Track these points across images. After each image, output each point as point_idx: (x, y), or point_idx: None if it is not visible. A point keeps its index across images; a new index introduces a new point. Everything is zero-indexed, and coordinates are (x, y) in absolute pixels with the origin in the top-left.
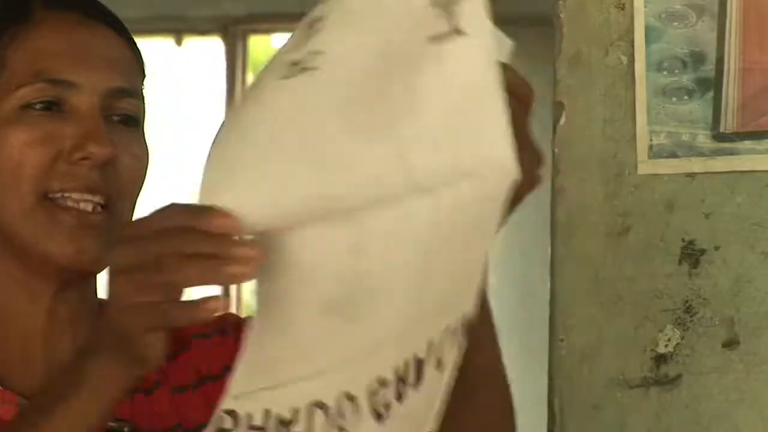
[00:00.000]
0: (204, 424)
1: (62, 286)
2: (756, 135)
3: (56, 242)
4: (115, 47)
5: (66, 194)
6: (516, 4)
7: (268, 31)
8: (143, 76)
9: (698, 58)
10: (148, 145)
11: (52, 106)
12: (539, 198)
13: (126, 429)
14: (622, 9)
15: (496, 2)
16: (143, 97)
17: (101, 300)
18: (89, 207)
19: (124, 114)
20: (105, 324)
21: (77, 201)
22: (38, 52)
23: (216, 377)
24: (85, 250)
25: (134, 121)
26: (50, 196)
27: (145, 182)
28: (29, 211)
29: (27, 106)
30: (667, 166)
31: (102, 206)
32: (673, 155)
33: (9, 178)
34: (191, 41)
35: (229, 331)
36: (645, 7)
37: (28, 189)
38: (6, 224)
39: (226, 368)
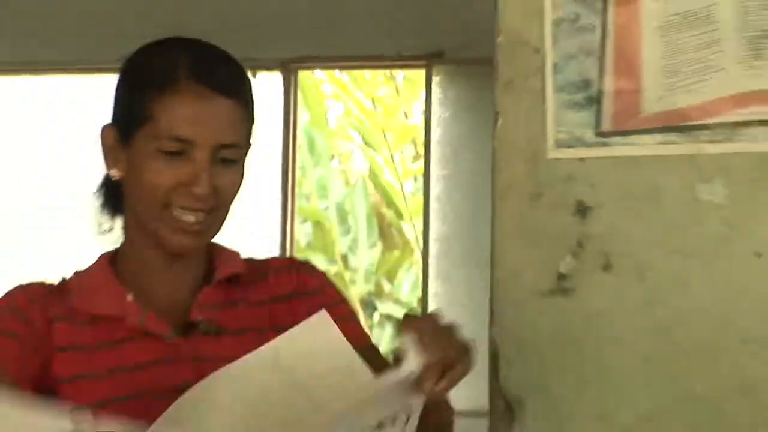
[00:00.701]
0: (267, 328)
1: (174, 255)
2: (624, 133)
3: (167, 237)
4: (229, 113)
5: (179, 208)
6: (476, 51)
7: (312, 68)
8: (252, 124)
9: (587, 84)
10: (243, 171)
11: (179, 153)
12: (485, 175)
13: (214, 328)
14: (538, 52)
15: (468, 49)
16: (247, 144)
17: (212, 244)
18: (191, 218)
19: (226, 158)
20: None
21: (183, 214)
22: (175, 114)
23: (281, 298)
24: (182, 245)
25: (233, 162)
26: (169, 207)
27: (237, 196)
28: (156, 216)
29: (162, 151)
30: (566, 153)
31: (206, 212)
32: (571, 146)
33: (147, 193)
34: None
35: (295, 269)
36: (552, 51)
37: (157, 201)
38: (143, 218)
39: (290, 294)
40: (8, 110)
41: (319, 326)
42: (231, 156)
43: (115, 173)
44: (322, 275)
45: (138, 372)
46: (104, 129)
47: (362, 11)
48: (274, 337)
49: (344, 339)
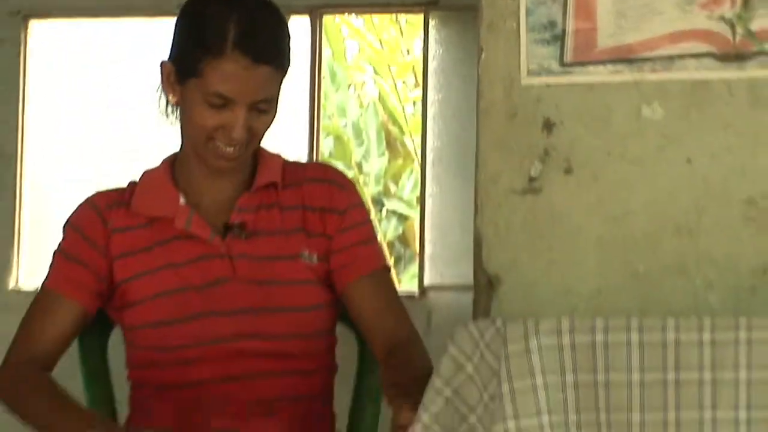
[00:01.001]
0: (296, 229)
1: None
2: (582, 64)
3: (210, 161)
4: (266, 77)
5: (219, 143)
6: None
7: (334, 13)
8: (282, 79)
9: (553, 25)
10: (276, 111)
11: (220, 106)
12: (471, 99)
13: (245, 233)
14: None
15: None
16: (278, 95)
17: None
18: (230, 150)
19: (259, 108)
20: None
21: (223, 146)
22: (219, 77)
23: (314, 209)
24: (222, 168)
25: (265, 111)
26: (212, 140)
27: (268, 130)
28: (201, 145)
29: (207, 102)
30: (536, 80)
31: (242, 145)
32: (539, 74)
33: (194, 128)
34: (292, 18)
35: (327, 183)
36: None
37: (202, 135)
38: (193, 146)
39: (322, 208)
40: (84, 53)
41: None
42: (265, 107)
43: (172, 99)
44: (351, 195)
45: (183, 268)
46: (163, 64)
47: None
48: (302, 238)
49: None
